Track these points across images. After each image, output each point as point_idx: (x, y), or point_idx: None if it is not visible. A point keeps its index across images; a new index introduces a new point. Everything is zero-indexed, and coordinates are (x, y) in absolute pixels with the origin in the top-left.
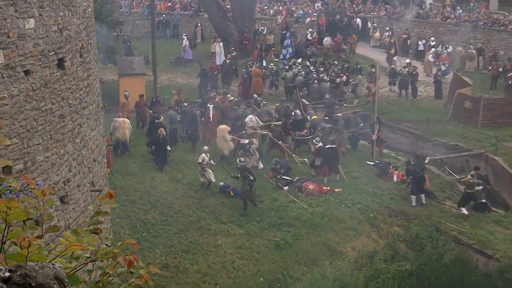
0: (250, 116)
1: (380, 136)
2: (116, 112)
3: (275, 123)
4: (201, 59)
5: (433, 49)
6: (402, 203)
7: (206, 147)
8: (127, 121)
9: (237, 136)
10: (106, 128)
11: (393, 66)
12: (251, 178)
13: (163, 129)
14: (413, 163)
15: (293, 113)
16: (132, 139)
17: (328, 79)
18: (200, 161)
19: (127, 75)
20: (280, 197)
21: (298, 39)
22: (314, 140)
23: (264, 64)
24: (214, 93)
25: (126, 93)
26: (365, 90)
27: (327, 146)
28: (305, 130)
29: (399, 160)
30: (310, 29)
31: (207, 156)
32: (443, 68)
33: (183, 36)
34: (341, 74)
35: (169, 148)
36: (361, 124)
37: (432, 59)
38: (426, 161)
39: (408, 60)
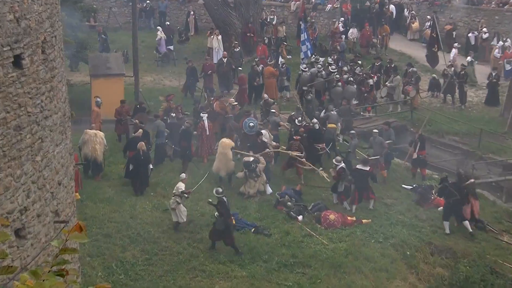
0: (265, 131)
1: (425, 155)
2: (89, 123)
3: (295, 137)
4: (195, 56)
5: (500, 43)
6: (448, 238)
7: (183, 175)
8: (100, 134)
9: (260, 154)
10: (75, 142)
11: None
12: (227, 217)
13: (143, 143)
14: (450, 182)
15: (306, 121)
16: (108, 156)
17: (354, 80)
18: (175, 192)
19: (102, 76)
20: (293, 229)
21: (316, 31)
22: (334, 160)
23: (281, 61)
24: (212, 98)
25: (98, 99)
26: (401, 95)
27: (358, 167)
28: (323, 144)
29: None
30: (334, 19)
31: (179, 186)
32: (508, 67)
33: (158, 28)
34: (372, 75)
35: (151, 166)
36: (391, 141)
37: (498, 55)
38: (468, 182)
39: (469, 58)
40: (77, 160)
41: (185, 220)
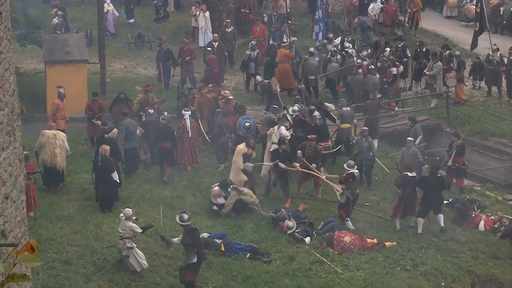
0: (282, 127)
1: (465, 163)
2: (44, 121)
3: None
4: (176, 38)
5: None
6: (493, 265)
7: (129, 211)
8: (61, 135)
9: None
10: (27, 146)
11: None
12: (200, 250)
13: (107, 147)
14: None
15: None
16: (68, 163)
17: (374, 68)
18: (124, 234)
19: (59, 63)
20: (299, 254)
21: (330, 6)
22: (346, 165)
23: (286, 39)
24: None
25: (61, 90)
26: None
27: (410, 175)
28: (329, 142)
29: (487, 196)
30: None
31: (132, 222)
32: None
33: (106, 1)
34: (397, 62)
35: (116, 177)
36: (420, 136)
37: None
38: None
39: None
40: (33, 169)
41: (147, 264)
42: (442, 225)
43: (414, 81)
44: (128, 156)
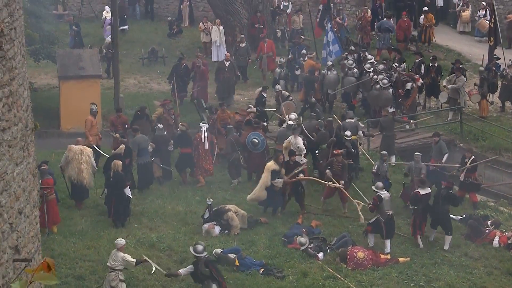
0: (299, 138)
1: (477, 178)
2: (57, 137)
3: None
4: (189, 53)
5: None
6: (507, 281)
7: (122, 241)
8: (88, 151)
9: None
10: (40, 161)
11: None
12: (220, 283)
13: (118, 162)
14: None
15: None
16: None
17: (388, 82)
18: (115, 265)
19: (73, 78)
20: (312, 270)
21: (345, 21)
22: (374, 188)
23: (305, 52)
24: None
25: (93, 107)
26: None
27: (422, 192)
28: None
29: (501, 212)
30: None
31: (121, 256)
32: None
33: (106, 8)
34: (416, 76)
35: (128, 192)
36: (447, 154)
37: None
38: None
39: None
40: (51, 183)
41: None
42: (446, 248)
43: (426, 97)
44: (141, 171)
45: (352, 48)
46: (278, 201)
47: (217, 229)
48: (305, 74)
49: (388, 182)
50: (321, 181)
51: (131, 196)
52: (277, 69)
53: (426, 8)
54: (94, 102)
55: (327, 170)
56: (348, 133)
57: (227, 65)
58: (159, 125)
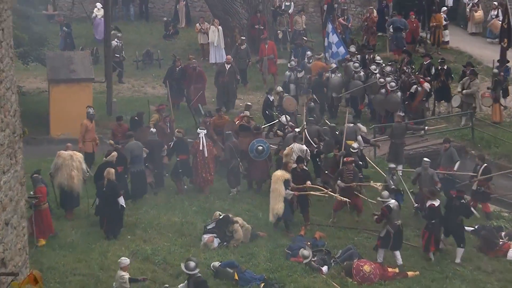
0: (300, 145)
1: (490, 187)
2: (47, 144)
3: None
4: (185, 55)
5: None
6: None
7: (126, 261)
8: (78, 156)
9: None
10: (28, 169)
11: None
12: None
13: (111, 170)
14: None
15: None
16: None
17: (396, 85)
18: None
19: (63, 82)
20: (316, 284)
21: (350, 21)
22: (380, 198)
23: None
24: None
25: (90, 110)
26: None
27: (436, 204)
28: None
29: None
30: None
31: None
32: None
33: (97, 5)
34: (421, 79)
35: (122, 202)
36: (458, 162)
37: None
38: None
39: None
40: (43, 192)
41: None
42: (458, 261)
43: (436, 102)
44: (134, 180)
45: (353, 49)
46: (290, 213)
47: (216, 242)
48: (313, 77)
49: (400, 195)
50: (332, 193)
51: (124, 206)
52: (287, 72)
53: (435, 8)
54: (91, 105)
55: (339, 181)
56: (355, 145)
57: (227, 68)
58: (152, 129)
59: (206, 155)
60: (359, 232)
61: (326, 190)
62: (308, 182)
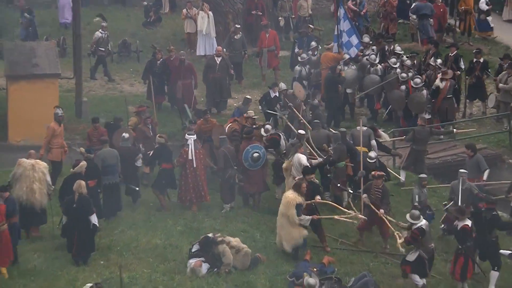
0: (301, 156)
1: None
2: (6, 151)
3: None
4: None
5: None
6: None
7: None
8: (41, 166)
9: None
10: None
11: None
12: None
13: (82, 182)
14: None
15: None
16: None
17: (421, 82)
18: None
19: (24, 78)
20: None
21: (365, 7)
22: (409, 216)
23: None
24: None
25: (58, 111)
26: None
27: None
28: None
29: None
30: None
31: None
32: None
33: None
34: (445, 70)
35: (94, 220)
36: (487, 170)
37: None
38: None
39: None
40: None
41: None
42: (492, 287)
43: (468, 100)
44: (107, 194)
45: (367, 39)
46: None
47: (204, 267)
48: (324, 71)
49: (431, 212)
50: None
51: (98, 225)
52: (297, 67)
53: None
54: (59, 106)
55: (365, 195)
56: (372, 154)
57: (218, 62)
58: (124, 134)
59: (195, 165)
60: (376, 256)
61: (350, 212)
62: (318, 197)
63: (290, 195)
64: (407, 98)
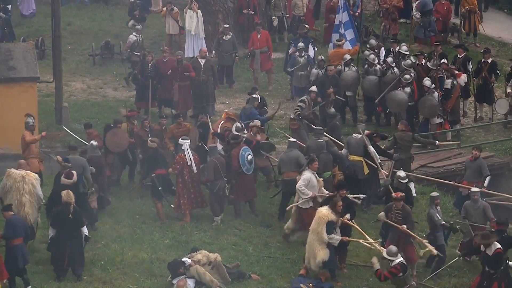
0: (308, 174)
1: None
2: None
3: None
4: (156, 47)
5: None
6: None
7: None
8: (32, 177)
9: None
10: None
11: None
12: None
13: (69, 192)
14: None
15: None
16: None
17: (431, 83)
18: None
19: (0, 82)
20: None
21: (358, 9)
22: (387, 254)
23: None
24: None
25: (29, 119)
26: None
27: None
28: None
29: None
30: None
31: None
32: None
33: None
34: (456, 71)
35: (85, 232)
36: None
37: None
38: None
39: None
40: None
41: None
42: None
43: (477, 103)
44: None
45: (374, 42)
46: (335, 258)
47: (191, 283)
48: (331, 72)
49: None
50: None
51: (89, 236)
52: (314, 70)
53: None
54: (31, 114)
55: (381, 213)
56: (402, 173)
57: (202, 64)
58: (92, 141)
59: (195, 171)
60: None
61: (371, 241)
62: (347, 216)
63: (323, 211)
64: (410, 101)
